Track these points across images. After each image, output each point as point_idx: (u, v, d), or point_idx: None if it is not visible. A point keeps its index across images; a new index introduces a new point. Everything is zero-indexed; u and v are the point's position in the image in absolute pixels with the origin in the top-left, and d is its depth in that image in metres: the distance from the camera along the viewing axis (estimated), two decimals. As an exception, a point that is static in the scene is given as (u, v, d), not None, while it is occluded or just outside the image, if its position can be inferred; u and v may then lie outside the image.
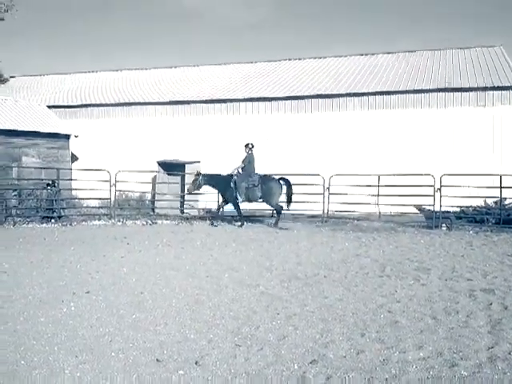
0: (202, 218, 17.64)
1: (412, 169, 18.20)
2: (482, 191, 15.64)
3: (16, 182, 19.28)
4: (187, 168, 21.25)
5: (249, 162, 16.03)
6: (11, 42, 66.50)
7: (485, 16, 77.19)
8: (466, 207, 16.63)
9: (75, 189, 20.38)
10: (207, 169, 19.79)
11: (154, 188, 21.68)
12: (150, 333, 5.96)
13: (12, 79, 33.14)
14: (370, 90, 21.58)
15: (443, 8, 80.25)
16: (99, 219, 17.80)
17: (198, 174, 16.65)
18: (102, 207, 19.71)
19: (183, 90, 25.88)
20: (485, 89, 19.95)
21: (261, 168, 18.74)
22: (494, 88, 19.84)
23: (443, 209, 15.51)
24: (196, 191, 16.86)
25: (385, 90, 21.39)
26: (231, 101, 23.35)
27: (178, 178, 20.67)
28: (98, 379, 4.73)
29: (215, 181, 16.49)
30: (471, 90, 20.15)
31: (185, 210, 19.51)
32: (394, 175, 16.59)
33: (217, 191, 16.99)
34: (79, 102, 25.83)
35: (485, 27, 72.27)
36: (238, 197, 15.90)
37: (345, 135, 21.31)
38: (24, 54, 71.88)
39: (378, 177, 16.63)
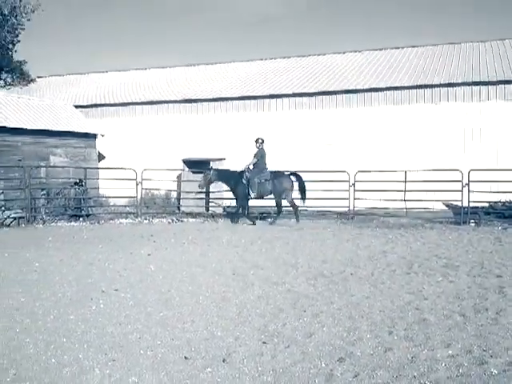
0: (227, 216, 17.68)
1: (439, 164, 17.98)
2: (511, 186, 15.36)
3: (44, 182, 19.60)
4: (212, 165, 21.34)
5: (261, 156, 16.04)
6: (38, 43, 67.56)
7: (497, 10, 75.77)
8: (495, 202, 16.38)
9: (102, 187, 20.61)
10: (232, 166, 19.84)
11: (179, 186, 21.82)
12: (177, 330, 6.01)
13: (39, 79, 33.65)
14: (395, 85, 21.35)
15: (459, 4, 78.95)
16: (126, 217, 18.02)
17: (210, 169, 16.65)
18: (128, 206, 19.91)
19: (208, 87, 25.96)
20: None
21: (285, 164, 18.78)
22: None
23: (471, 204, 15.30)
24: (207, 187, 16.89)
25: (410, 84, 21.14)
26: (255, 97, 23.35)
27: (203, 176, 20.74)
28: (127, 377, 4.79)
29: (226, 176, 16.52)
30: (499, 84, 19.80)
31: (210, 208, 19.59)
32: (421, 171, 16.41)
33: (228, 187, 16.89)
34: (105, 101, 26.11)
35: (499, 20, 70.78)
36: (251, 192, 15.88)
37: (370, 131, 21.14)
38: (51, 54, 72.96)
39: (404, 172, 16.46)
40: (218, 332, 5.94)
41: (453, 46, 26.07)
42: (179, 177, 21.66)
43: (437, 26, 77.48)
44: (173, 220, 17.08)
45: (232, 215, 16.50)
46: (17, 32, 30.58)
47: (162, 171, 19.38)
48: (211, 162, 21.37)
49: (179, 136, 23.92)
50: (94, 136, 23.16)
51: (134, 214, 18.47)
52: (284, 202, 16.27)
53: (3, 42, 29.76)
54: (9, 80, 33.13)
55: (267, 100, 23.14)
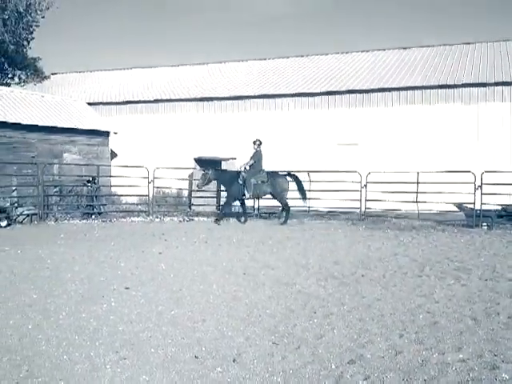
0: (238, 215, 17.70)
1: (451, 166, 17.87)
2: (525, 189, 15.26)
3: (57, 179, 19.72)
4: (223, 165, 21.37)
5: (258, 158, 16.08)
6: (52, 40, 67.98)
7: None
8: (508, 205, 16.25)
9: (114, 185, 20.71)
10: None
11: (190, 185, 21.87)
12: (188, 329, 6.04)
13: (53, 76, 33.84)
14: (407, 85, 21.24)
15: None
16: (138, 216, 18.11)
17: (207, 168, 16.66)
18: (140, 204, 20.00)
19: (220, 85, 25.98)
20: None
21: (297, 164, 18.81)
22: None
23: (484, 207, 15.20)
24: (205, 186, 16.84)
25: (421, 84, 21.02)
26: (267, 96, 23.34)
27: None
28: (138, 375, 4.82)
29: (222, 176, 16.57)
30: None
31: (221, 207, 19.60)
32: (433, 172, 16.33)
33: (224, 187, 16.95)
34: (118, 99, 26.21)
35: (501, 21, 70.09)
36: (246, 193, 15.92)
37: (382, 131, 21.05)
38: (65, 51, 73.40)
39: (416, 174, 16.40)
40: (228, 332, 5.96)
41: (467, 46, 25.83)
42: (191, 175, 21.70)
43: (449, 26, 76.92)
44: (184, 219, 17.13)
45: (218, 214, 16.57)
46: (31, 29, 30.73)
47: (174, 170, 19.45)
48: (222, 162, 21.41)
49: (191, 135, 23.97)
50: (107, 134, 23.25)
51: (145, 212, 18.55)
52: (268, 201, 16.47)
53: (18, 39, 29.94)
54: (23, 77, 33.34)
55: (279, 99, 23.13)
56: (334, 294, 7.55)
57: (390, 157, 20.32)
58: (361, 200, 16.73)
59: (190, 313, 6.65)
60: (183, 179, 20.92)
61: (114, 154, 24.27)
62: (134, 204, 20.33)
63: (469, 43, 26.26)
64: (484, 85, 20.00)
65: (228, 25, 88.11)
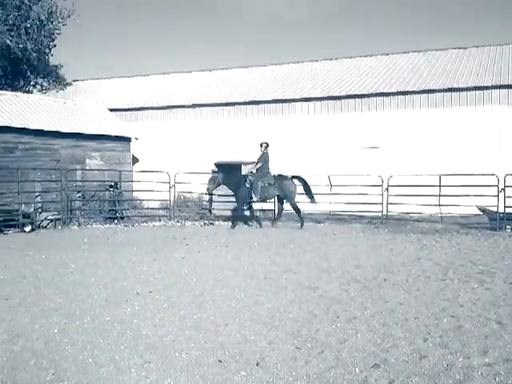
0: (257, 220, 17.72)
1: (474, 169, 17.68)
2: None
3: (80, 184, 19.97)
4: (244, 169, 21.42)
5: (264, 161, 16.08)
6: (74, 47, 68.89)
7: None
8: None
9: (136, 190, 20.90)
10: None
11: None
12: (211, 333, 6.06)
13: (75, 83, 34.27)
14: (428, 88, 21.08)
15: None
16: (159, 220, 18.25)
17: (216, 171, 16.66)
18: (161, 208, 20.15)
19: (239, 91, 26.07)
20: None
21: (318, 167, 18.78)
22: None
23: (507, 210, 15.01)
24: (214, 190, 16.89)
25: (442, 87, 20.85)
26: (287, 101, 23.36)
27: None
28: (163, 379, 4.85)
29: (230, 180, 16.49)
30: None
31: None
32: (455, 175, 16.18)
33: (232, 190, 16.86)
34: (139, 105, 26.46)
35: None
36: (253, 196, 15.92)
37: (404, 135, 20.91)
38: (86, 58, 74.31)
39: (439, 177, 16.27)
40: (251, 336, 5.96)
41: (494, 48, 25.53)
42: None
43: (466, 28, 76.16)
44: (205, 223, 17.20)
45: (233, 218, 16.58)
46: (53, 37, 31.17)
47: (195, 174, 19.55)
48: (243, 166, 21.47)
49: (212, 139, 24.08)
50: (129, 139, 23.49)
51: (166, 216, 18.69)
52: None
53: (40, 47, 30.38)
54: (45, 84, 33.83)
55: (299, 103, 23.13)
56: (356, 298, 7.51)
57: (411, 160, 20.18)
58: (382, 203, 16.63)
59: (212, 317, 6.67)
60: (204, 184, 21.00)
61: (135, 160, 24.48)
62: (155, 209, 20.49)
63: (489, 45, 25.96)
64: (507, 87, 19.75)
65: (245, 29, 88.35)
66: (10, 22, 27.80)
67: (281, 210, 16.45)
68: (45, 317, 6.69)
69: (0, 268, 9.82)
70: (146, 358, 5.31)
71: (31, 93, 31.28)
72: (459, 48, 26.45)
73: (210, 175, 16.69)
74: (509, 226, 14.83)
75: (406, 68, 24.76)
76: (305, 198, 16.31)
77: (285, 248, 12.04)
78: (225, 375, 4.93)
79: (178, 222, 17.74)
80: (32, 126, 19.37)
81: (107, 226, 17.08)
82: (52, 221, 16.84)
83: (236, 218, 16.54)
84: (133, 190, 21.10)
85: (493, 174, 15.29)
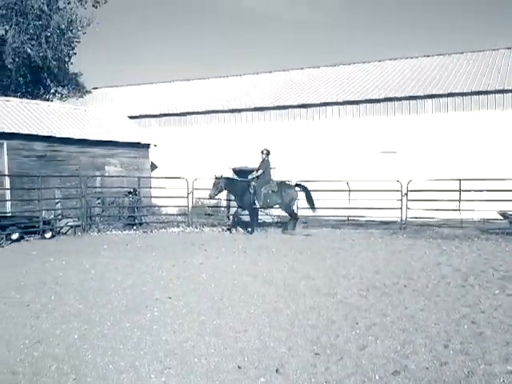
0: (276, 225, 17.72)
1: (494, 173, 17.47)
2: None
3: (99, 191, 20.14)
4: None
5: (265, 167, 16.08)
6: (93, 55, 69.66)
7: None
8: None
9: (154, 196, 21.03)
10: (282, 175, 19.87)
11: (229, 195, 22.01)
12: (230, 339, 6.07)
13: (94, 90, 34.66)
14: (448, 91, 20.91)
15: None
16: (177, 226, 18.33)
17: (219, 177, 16.56)
18: (179, 214, 20.23)
19: (256, 96, 26.12)
20: None
21: (335, 173, 18.72)
22: None
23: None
24: (217, 195, 16.85)
25: (461, 91, 20.66)
26: (305, 106, 23.35)
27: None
28: (183, 384, 4.87)
29: (233, 186, 16.52)
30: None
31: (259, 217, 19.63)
32: (475, 180, 16.00)
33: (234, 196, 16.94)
34: (157, 112, 26.65)
35: None
36: (256, 202, 15.93)
37: (422, 139, 20.76)
38: (106, 66, 75.07)
39: (458, 182, 16.12)
40: (270, 342, 5.96)
41: (502, 52, 25.28)
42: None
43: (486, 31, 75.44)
44: (223, 229, 17.24)
45: (246, 225, 16.59)
46: (73, 45, 31.59)
47: (213, 180, 19.59)
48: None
49: (229, 145, 24.14)
50: (147, 146, 23.67)
51: (185, 222, 18.76)
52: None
53: (60, 55, 30.78)
54: (65, 92, 34.28)
55: (317, 108, 23.10)
56: (375, 304, 7.46)
57: (429, 165, 20.01)
58: (401, 209, 16.52)
59: (231, 323, 6.68)
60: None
61: (153, 166, 24.64)
62: (173, 215, 20.57)
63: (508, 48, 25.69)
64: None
65: (259, 35, 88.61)
66: (31, 31, 28.22)
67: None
68: (65, 322, 6.76)
69: (21, 274, 9.95)
70: (165, 364, 5.34)
71: (51, 101, 31.70)
72: (478, 51, 26.20)
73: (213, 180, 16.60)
74: (530, 232, 14.62)
75: (426, 71, 24.59)
76: (303, 203, 16.49)
77: (303, 254, 12.01)
78: (244, 381, 4.94)
79: (196, 227, 17.81)
80: (53, 134, 19.62)
81: (126, 232, 17.19)
82: (72, 227, 17.00)
83: (236, 223, 16.59)
84: (151, 197, 21.23)
85: (513, 179, 15.09)
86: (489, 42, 72.97)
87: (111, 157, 21.96)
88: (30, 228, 15.79)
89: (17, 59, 28.69)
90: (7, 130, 18.09)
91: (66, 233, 16.82)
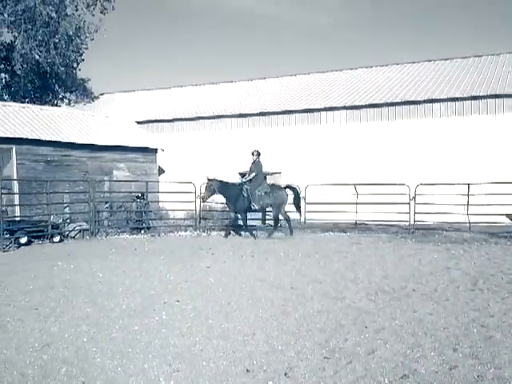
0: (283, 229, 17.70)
1: (502, 177, 17.41)
2: None
3: (108, 195, 20.22)
4: (268, 179, 21.44)
5: (258, 170, 16.06)
6: (100, 60, 70.02)
7: None
8: None
9: (162, 201, 21.08)
10: (288, 180, 19.89)
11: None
12: (238, 343, 6.06)
13: (102, 96, 34.84)
14: (455, 96, 20.86)
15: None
16: (185, 230, 18.37)
17: (212, 180, 16.24)
18: (187, 218, 20.26)
19: (262, 101, 26.15)
20: None
21: (342, 177, 18.70)
22: None
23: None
24: (209, 199, 16.69)
25: (469, 95, 20.59)
26: (311, 110, 23.36)
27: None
28: (191, 388, 4.87)
29: (226, 189, 16.22)
30: None
31: (267, 221, 19.61)
32: (484, 184, 15.95)
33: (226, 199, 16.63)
34: (164, 117, 26.74)
35: None
36: (254, 205, 15.90)
37: (431, 143, 20.72)
38: (113, 72, 75.42)
39: (467, 186, 16.06)
40: (278, 346, 5.95)
41: (503, 56, 25.20)
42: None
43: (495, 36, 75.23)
44: (230, 233, 17.23)
45: (232, 227, 16.53)
46: (81, 51, 31.83)
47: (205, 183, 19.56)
48: (267, 175, 21.49)
49: (236, 149, 24.16)
50: (155, 151, 23.75)
51: (192, 226, 18.79)
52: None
53: (68, 61, 31.00)
54: (73, 97, 34.51)
55: (323, 112, 23.10)
56: (384, 308, 7.43)
57: (436, 169, 19.95)
58: (410, 212, 16.48)
59: (239, 326, 6.67)
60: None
61: (161, 171, 24.71)
62: (181, 219, 20.61)
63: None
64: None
65: (268, 40, 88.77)
66: (39, 37, 28.43)
67: (287, 219, 16.40)
68: (74, 326, 6.77)
69: (30, 278, 9.99)
70: (174, 367, 5.34)
71: (59, 106, 31.90)
72: (486, 55, 26.14)
73: (205, 183, 16.38)
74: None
75: (433, 76, 24.56)
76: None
77: (310, 258, 11.99)
78: (253, 385, 4.92)
79: (204, 231, 17.83)
80: (61, 139, 19.72)
81: (134, 236, 17.25)
82: (80, 231, 17.06)
83: (232, 227, 16.51)
84: (159, 201, 21.29)
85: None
86: (494, 46, 72.74)
87: (119, 161, 22.05)
88: (38, 232, 15.87)
89: (25, 65, 28.92)
90: (16, 135, 18.21)
91: (74, 237, 16.88)
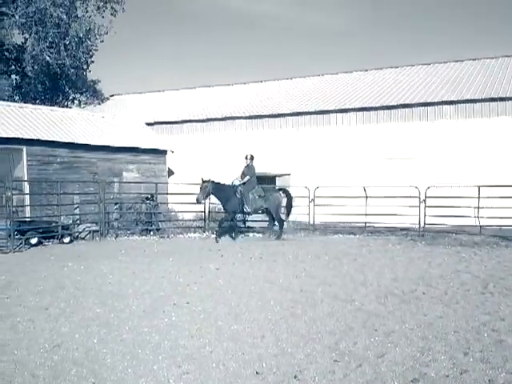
0: (293, 231, 17.68)
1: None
2: None
3: (117, 196, 20.28)
4: (278, 181, 21.46)
5: (252, 173, 16.02)
6: (111, 62, 70.41)
7: None
8: None
9: (171, 202, 21.11)
10: (298, 182, 19.87)
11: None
12: (248, 345, 6.06)
13: (112, 98, 35.01)
14: (465, 98, 20.76)
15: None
16: (194, 232, 18.39)
17: (207, 181, 15.97)
18: (196, 220, 20.29)
19: (272, 103, 26.16)
20: None
21: (353, 179, 18.65)
22: None
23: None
24: (204, 200, 16.53)
25: (480, 97, 20.49)
26: (321, 112, 23.32)
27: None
28: (201, 390, 4.87)
29: (220, 191, 16.02)
30: None
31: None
32: (494, 186, 15.85)
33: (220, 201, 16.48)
34: (174, 119, 26.79)
35: None
36: (246, 208, 15.83)
37: (442, 145, 20.61)
38: (124, 73, 75.77)
39: (478, 188, 15.97)
40: (288, 348, 5.94)
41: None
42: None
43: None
44: (239, 234, 17.23)
45: (219, 231, 16.26)
46: (91, 53, 32.04)
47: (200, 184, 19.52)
48: (277, 177, 21.51)
49: (245, 151, 24.12)
50: (164, 152, 23.80)
51: (201, 228, 18.81)
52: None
53: (78, 63, 31.21)
54: (83, 99, 34.71)
55: (334, 114, 23.05)
56: (394, 311, 7.40)
57: (447, 171, 19.85)
58: (419, 215, 16.40)
59: (249, 329, 6.67)
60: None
61: (170, 172, 24.76)
62: (190, 220, 20.63)
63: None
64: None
65: (278, 42, 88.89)
66: (50, 39, 28.65)
67: (272, 222, 16.46)
68: (84, 327, 6.80)
69: (40, 278, 10.04)
70: (184, 369, 5.35)
71: (70, 108, 32.08)
72: (497, 58, 26.01)
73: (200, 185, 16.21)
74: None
75: (443, 78, 24.47)
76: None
77: (320, 260, 11.96)
78: (263, 387, 4.92)
79: (213, 233, 17.81)
80: (72, 140, 19.82)
81: (143, 237, 17.29)
82: (90, 232, 17.13)
83: (223, 230, 16.35)
84: (168, 202, 21.32)
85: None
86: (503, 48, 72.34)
87: (129, 163, 22.12)
88: (48, 233, 15.95)
89: (36, 67, 29.14)
90: (26, 136, 18.32)
91: (84, 238, 16.95)
